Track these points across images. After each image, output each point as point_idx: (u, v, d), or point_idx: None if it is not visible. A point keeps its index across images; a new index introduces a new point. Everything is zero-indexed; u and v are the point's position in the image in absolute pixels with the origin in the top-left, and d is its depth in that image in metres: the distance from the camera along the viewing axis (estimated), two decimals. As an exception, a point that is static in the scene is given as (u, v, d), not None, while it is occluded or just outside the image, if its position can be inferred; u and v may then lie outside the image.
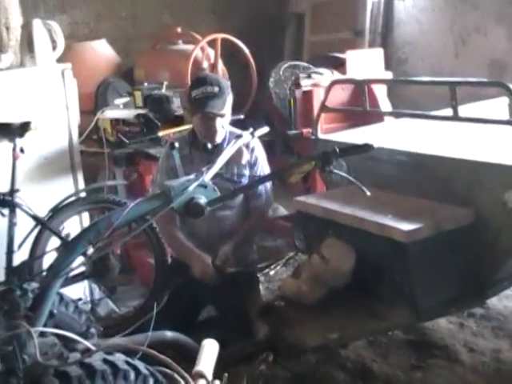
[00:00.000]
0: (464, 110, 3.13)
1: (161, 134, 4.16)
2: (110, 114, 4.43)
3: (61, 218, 3.64)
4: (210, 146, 3.10)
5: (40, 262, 3.44)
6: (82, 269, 2.94)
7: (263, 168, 3.28)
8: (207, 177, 2.32)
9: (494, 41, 5.54)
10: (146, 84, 4.64)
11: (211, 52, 5.21)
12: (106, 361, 1.74)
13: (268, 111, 5.16)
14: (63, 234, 3.53)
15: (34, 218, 3.47)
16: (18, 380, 1.73)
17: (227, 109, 3.11)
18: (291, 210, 4.18)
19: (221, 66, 5.24)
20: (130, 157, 4.28)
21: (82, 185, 4.03)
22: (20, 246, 3.39)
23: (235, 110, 3.37)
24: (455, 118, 3.10)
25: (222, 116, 3.08)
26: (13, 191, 3.38)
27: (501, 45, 5.49)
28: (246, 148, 3.15)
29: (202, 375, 1.74)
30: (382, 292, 2.99)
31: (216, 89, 3.02)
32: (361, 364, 3.15)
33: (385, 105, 4.89)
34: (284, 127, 4.83)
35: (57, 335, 1.93)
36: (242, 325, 2.97)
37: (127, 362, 1.76)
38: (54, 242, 3.55)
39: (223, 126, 3.13)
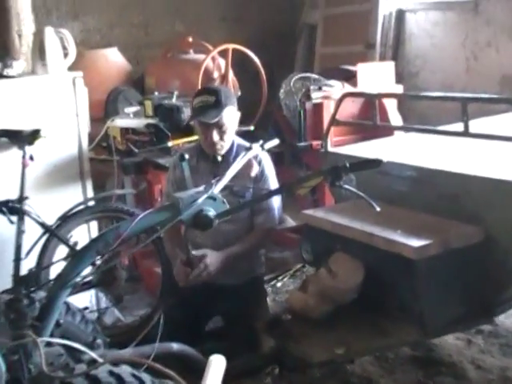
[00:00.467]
0: (475, 125, 3.10)
1: (170, 143, 4.15)
2: (119, 122, 4.43)
3: (69, 226, 3.64)
4: (219, 158, 3.11)
5: (47, 270, 3.43)
6: (90, 278, 2.94)
7: (269, 181, 3.22)
8: (216, 189, 2.31)
9: (505, 56, 5.52)
10: (156, 93, 4.64)
11: (222, 62, 5.21)
12: (111, 373, 1.74)
13: (278, 122, 5.16)
14: (71, 242, 3.54)
15: (43, 225, 3.48)
16: (24, 390, 1.73)
17: (227, 119, 3.06)
18: (299, 222, 4.16)
19: (231, 76, 5.23)
20: (138, 165, 4.28)
21: (90, 192, 4.03)
22: (28, 253, 3.39)
23: (245, 120, 3.36)
24: (466, 133, 3.07)
25: (217, 125, 3.04)
26: (22, 198, 3.39)
27: (512, 60, 5.48)
28: (255, 160, 3.12)
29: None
30: (390, 308, 2.96)
31: (212, 98, 3.02)
32: (367, 380, 3.14)
33: (395, 118, 4.87)
34: (294, 139, 4.81)
35: (63, 345, 1.93)
36: (249, 337, 2.95)
37: (133, 375, 1.76)
38: (61, 250, 3.56)
39: (224, 137, 3.09)
